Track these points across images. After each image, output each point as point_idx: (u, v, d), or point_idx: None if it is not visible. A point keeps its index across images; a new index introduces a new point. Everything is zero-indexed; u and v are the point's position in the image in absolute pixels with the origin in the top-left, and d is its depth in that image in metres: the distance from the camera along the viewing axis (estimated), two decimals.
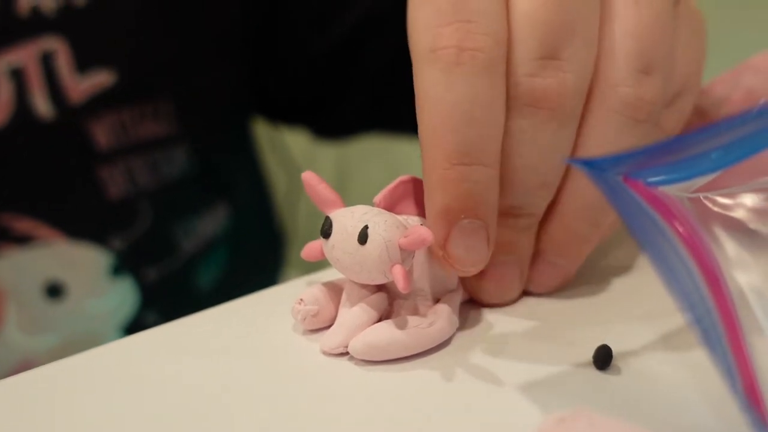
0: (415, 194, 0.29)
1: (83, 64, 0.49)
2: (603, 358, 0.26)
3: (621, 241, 0.34)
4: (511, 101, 0.27)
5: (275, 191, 0.68)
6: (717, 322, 0.21)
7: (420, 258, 0.28)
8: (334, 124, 0.64)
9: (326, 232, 0.28)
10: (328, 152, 0.81)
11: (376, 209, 0.28)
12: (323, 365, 0.27)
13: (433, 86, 0.27)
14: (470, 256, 0.27)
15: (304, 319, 0.28)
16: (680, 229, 0.23)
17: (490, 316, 0.30)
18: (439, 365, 0.27)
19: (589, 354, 0.27)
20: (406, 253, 0.27)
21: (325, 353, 0.28)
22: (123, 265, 0.51)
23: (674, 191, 0.24)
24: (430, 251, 0.28)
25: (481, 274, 0.29)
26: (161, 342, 0.29)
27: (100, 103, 0.49)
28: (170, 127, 0.52)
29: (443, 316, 0.28)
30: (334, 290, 0.29)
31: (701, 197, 0.24)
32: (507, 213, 0.29)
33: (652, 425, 0.24)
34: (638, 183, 0.23)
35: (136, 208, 0.51)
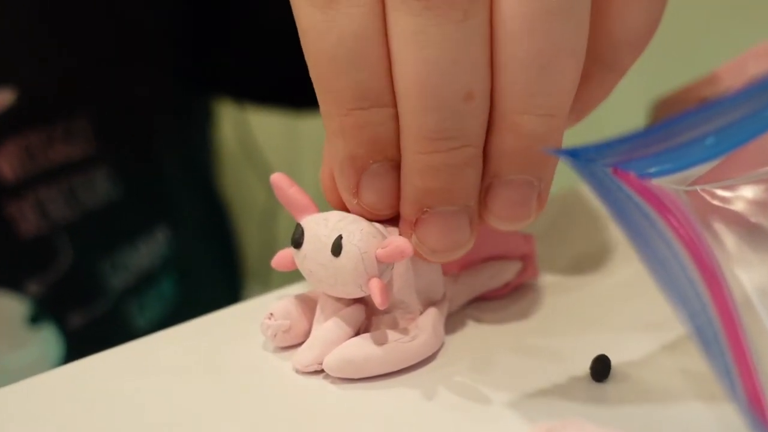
0: None
1: None
2: (601, 370, 0.27)
3: (620, 243, 0.35)
4: (396, 3, 0.25)
5: (252, 204, 0.67)
6: (715, 323, 0.21)
7: (401, 268, 0.28)
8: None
9: (297, 241, 0.28)
10: (309, 153, 0.81)
11: (351, 216, 0.28)
12: (296, 384, 0.27)
13: (313, 26, 0.26)
14: (383, 199, 0.27)
15: (275, 335, 0.29)
16: (676, 225, 0.23)
17: (478, 326, 0.30)
18: (421, 383, 0.27)
19: (586, 365, 0.27)
20: (384, 265, 0.27)
21: (297, 371, 0.28)
22: (43, 312, 0.48)
23: (669, 184, 0.24)
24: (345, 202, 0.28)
25: (423, 229, 0.27)
26: (119, 362, 0.29)
27: (0, 128, 0.47)
28: (88, 148, 0.49)
29: (426, 329, 0.28)
30: (307, 303, 0.29)
31: (699, 190, 0.24)
32: (434, 147, 0.26)
33: None
34: (629, 175, 0.23)
35: (53, 245, 0.49)
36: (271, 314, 0.29)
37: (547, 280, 0.33)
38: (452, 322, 0.30)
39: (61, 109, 0.49)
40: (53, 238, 0.49)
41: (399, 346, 0.27)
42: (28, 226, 0.48)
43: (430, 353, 0.28)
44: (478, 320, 0.30)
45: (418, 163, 0.26)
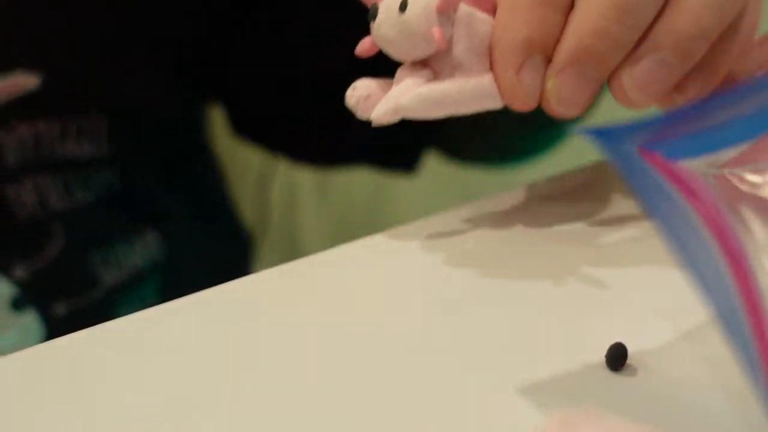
0: None
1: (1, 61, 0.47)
2: (617, 358, 0.27)
3: (639, 226, 0.35)
4: None
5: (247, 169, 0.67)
6: (740, 311, 0.22)
7: (461, 30, 0.33)
8: (317, 151, 0.64)
9: (373, 14, 0.34)
10: None
11: None
12: (303, 358, 0.28)
13: None
14: (536, 85, 0.33)
15: (357, 102, 0.34)
16: (702, 210, 0.23)
17: (491, 312, 0.31)
18: (431, 368, 0.28)
19: (601, 353, 0.27)
20: (443, 18, 0.33)
21: (374, 121, 0.33)
22: (27, 298, 0.49)
23: (697, 166, 0.24)
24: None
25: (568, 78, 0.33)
26: (123, 336, 0.30)
27: (14, 110, 0.48)
28: (96, 148, 0.51)
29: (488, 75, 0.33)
30: (387, 83, 0.34)
31: (727, 174, 0.25)
32: (618, 16, 0.31)
33: (670, 430, 0.24)
34: (656, 156, 0.24)
35: (46, 232, 0.50)
36: (354, 87, 0.34)
37: (562, 265, 0.33)
38: (465, 307, 0.31)
39: (78, 105, 0.50)
40: (47, 225, 0.50)
41: (469, 81, 0.33)
42: (24, 211, 0.49)
43: (495, 92, 0.33)
44: (492, 306, 0.31)
45: (595, 24, 0.32)
